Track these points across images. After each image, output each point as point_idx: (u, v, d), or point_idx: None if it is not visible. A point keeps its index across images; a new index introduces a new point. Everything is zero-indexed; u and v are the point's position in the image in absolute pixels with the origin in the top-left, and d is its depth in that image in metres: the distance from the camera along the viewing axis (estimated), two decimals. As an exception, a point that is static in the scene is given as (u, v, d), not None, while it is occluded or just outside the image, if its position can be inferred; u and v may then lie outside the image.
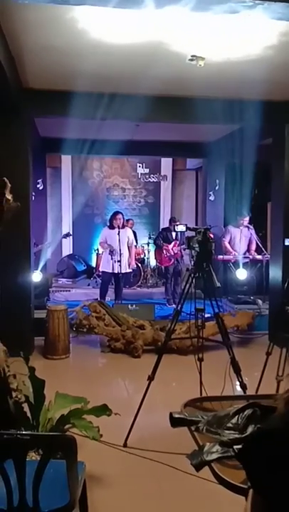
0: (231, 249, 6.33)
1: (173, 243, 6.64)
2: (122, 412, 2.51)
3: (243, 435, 1.20)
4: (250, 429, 1.21)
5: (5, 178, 2.10)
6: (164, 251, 6.66)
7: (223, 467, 1.18)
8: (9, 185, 2.10)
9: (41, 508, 1.41)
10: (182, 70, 3.68)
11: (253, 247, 6.37)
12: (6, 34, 3.05)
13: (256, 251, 6.32)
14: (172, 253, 6.61)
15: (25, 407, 2.34)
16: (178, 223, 6.64)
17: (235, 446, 1.16)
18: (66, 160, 8.38)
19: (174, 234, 6.67)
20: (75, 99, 4.09)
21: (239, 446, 1.14)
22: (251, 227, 6.38)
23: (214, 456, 1.16)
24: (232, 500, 1.21)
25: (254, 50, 3.34)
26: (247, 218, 6.30)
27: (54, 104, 4.37)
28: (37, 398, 2.32)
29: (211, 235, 2.87)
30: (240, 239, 6.35)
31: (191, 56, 3.42)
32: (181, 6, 2.41)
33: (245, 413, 1.27)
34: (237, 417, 1.28)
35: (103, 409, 2.36)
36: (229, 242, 6.39)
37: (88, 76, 3.78)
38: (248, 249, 6.38)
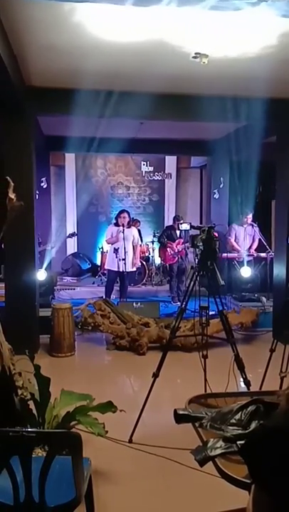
0: (238, 247, 6.32)
1: (177, 241, 6.64)
2: (127, 409, 2.53)
3: (247, 431, 1.21)
4: (253, 425, 1.22)
5: (8, 177, 2.11)
6: (168, 249, 6.67)
7: (226, 462, 1.20)
8: (12, 184, 2.11)
9: (47, 503, 1.43)
10: (186, 68, 3.67)
11: (255, 245, 6.36)
12: (8, 32, 3.05)
13: (257, 249, 6.31)
14: (176, 251, 6.62)
15: (31, 405, 2.37)
16: (182, 221, 6.66)
17: (238, 442, 1.17)
18: (70, 158, 8.39)
19: (178, 232, 6.67)
20: (79, 98, 4.09)
21: (242, 442, 1.15)
22: (255, 225, 6.37)
23: (218, 451, 1.17)
24: (235, 494, 1.22)
25: (258, 47, 3.32)
26: (250, 216, 6.29)
27: (58, 103, 4.38)
28: (43, 396, 2.34)
29: (216, 234, 2.87)
30: (244, 237, 6.34)
31: (195, 54, 3.41)
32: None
33: (249, 409, 1.28)
34: (240, 413, 1.29)
35: (108, 406, 2.38)
36: (234, 240, 6.39)
37: (91, 74, 3.78)
38: (250, 247, 6.38)
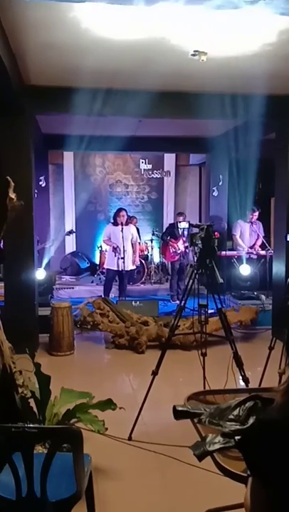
0: (243, 244, 6.33)
1: (179, 240, 6.63)
2: (127, 407, 2.55)
3: (245, 426, 1.23)
4: (251, 421, 1.24)
5: (8, 177, 2.12)
6: (170, 247, 6.67)
7: (225, 459, 1.21)
8: (12, 184, 2.12)
9: (49, 498, 1.45)
10: (185, 66, 3.68)
11: (259, 242, 6.37)
12: (7, 31, 3.06)
13: (260, 246, 6.34)
14: (178, 249, 6.62)
15: (32, 403, 2.38)
16: (181, 220, 6.68)
17: (236, 437, 1.19)
18: (68, 156, 8.38)
19: (180, 230, 6.66)
20: (77, 96, 4.10)
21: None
22: (257, 222, 6.37)
23: (216, 446, 1.19)
24: (233, 490, 1.24)
25: (257, 44, 3.32)
26: (256, 213, 6.29)
27: (56, 101, 4.38)
28: (43, 394, 2.36)
29: (217, 234, 2.89)
30: (250, 233, 6.36)
31: (194, 51, 3.42)
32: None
33: (247, 405, 1.30)
34: (238, 409, 1.31)
35: (108, 404, 2.40)
36: (239, 237, 6.39)
37: (90, 72, 3.78)
38: (254, 244, 6.39)
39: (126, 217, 6.05)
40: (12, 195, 2.09)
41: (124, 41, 3.24)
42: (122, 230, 5.87)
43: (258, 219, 6.40)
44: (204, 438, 1.24)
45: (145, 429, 2.79)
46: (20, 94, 4.05)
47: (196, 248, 2.87)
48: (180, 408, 1.48)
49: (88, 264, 8.07)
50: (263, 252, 6.17)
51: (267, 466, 0.78)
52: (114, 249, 5.95)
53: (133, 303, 5.30)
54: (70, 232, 8.03)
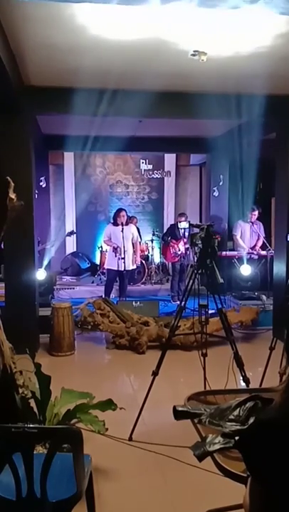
0: (244, 244, 6.32)
1: (180, 240, 6.62)
2: (127, 407, 2.55)
3: (245, 427, 1.22)
4: (251, 421, 1.23)
5: (8, 178, 2.12)
6: (171, 248, 6.66)
7: (225, 459, 1.21)
8: (12, 184, 2.12)
9: (49, 498, 1.44)
10: (184, 66, 3.68)
11: (260, 242, 6.37)
12: (7, 32, 3.06)
13: (261, 247, 6.33)
14: (178, 250, 6.61)
15: (32, 403, 2.38)
16: (181, 221, 6.68)
17: (236, 437, 1.18)
18: (69, 157, 8.39)
19: (181, 231, 6.65)
20: (77, 96, 4.10)
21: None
22: (258, 222, 6.37)
23: (216, 446, 1.19)
24: (233, 491, 1.24)
25: (257, 44, 3.32)
26: (256, 213, 6.28)
27: (56, 101, 4.38)
28: (43, 394, 2.36)
29: (218, 237, 2.88)
30: (250, 234, 6.35)
31: (193, 51, 3.42)
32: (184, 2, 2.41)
33: (247, 405, 1.30)
34: (239, 409, 1.31)
35: (108, 404, 2.40)
36: (240, 237, 6.39)
37: (90, 73, 3.79)
38: (255, 245, 6.38)
39: (126, 217, 6.05)
40: (12, 196, 2.08)
41: (123, 41, 3.24)
42: (122, 230, 5.87)
43: (258, 219, 6.40)
44: (204, 438, 1.24)
45: (145, 430, 2.79)
46: (20, 95, 4.05)
47: (196, 248, 2.87)
48: (180, 408, 1.48)
49: (89, 265, 8.07)
50: (263, 252, 6.16)
51: (265, 464, 0.78)
52: (115, 250, 5.95)
53: (133, 303, 5.30)
54: (71, 233, 8.04)
